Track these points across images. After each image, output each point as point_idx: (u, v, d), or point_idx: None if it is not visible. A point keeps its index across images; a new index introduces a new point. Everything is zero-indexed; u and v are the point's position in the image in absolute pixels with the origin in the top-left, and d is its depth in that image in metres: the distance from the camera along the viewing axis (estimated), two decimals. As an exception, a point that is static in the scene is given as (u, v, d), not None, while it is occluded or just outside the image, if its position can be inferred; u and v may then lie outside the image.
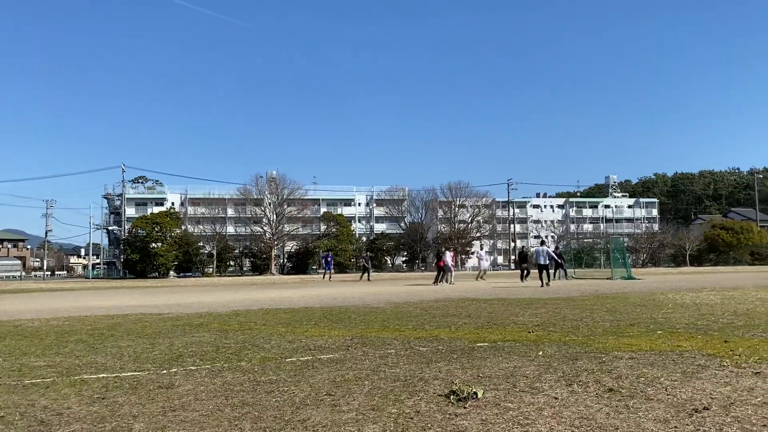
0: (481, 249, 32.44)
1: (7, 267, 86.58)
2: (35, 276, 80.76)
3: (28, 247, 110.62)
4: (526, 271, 26.24)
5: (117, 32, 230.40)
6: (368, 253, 45.05)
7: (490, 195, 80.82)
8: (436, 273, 26.42)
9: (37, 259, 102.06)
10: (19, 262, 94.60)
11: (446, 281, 24.42)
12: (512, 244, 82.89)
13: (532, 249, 29.38)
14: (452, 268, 25.92)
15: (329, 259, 39.54)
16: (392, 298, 16.37)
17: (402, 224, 77.07)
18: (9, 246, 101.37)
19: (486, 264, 31.44)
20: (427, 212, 78.04)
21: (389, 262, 73.63)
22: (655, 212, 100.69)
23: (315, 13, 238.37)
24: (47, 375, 5.68)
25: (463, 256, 74.56)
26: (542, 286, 20.46)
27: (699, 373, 5.04)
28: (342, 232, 69.42)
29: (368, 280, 33.29)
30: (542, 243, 24.73)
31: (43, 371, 5.89)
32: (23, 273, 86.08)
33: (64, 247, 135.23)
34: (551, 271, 27.88)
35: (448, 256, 25.96)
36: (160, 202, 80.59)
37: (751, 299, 13.02)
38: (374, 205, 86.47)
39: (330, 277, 37.41)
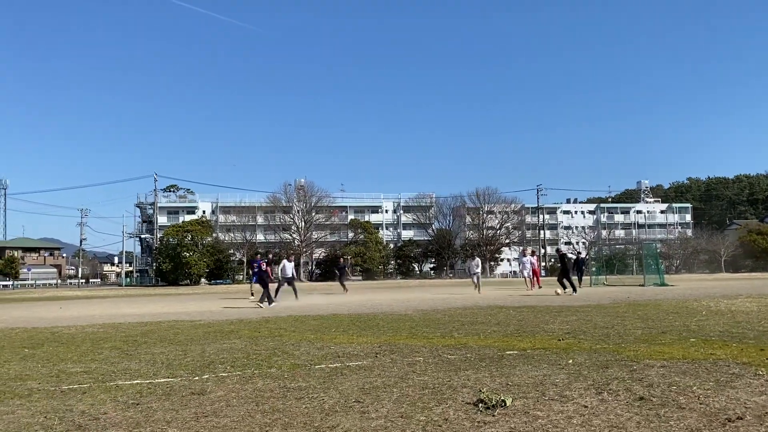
0: (526, 254, 27.41)
1: (44, 275, 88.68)
2: (71, 284, 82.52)
3: (64, 255, 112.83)
4: (580, 277, 27.34)
5: (147, 41, 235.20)
6: (345, 258, 34.31)
7: (519, 201, 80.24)
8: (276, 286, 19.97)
9: (73, 267, 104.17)
10: (55, 270, 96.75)
11: (476, 288, 23.68)
12: (542, 251, 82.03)
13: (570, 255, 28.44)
14: (479, 275, 24.50)
15: (256, 264, 20.81)
16: (420, 305, 16.36)
17: (429, 231, 76.94)
18: (45, 254, 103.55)
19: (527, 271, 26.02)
20: (454, 219, 77.81)
21: (417, 269, 73.55)
22: (688, 217, 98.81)
23: (342, 18, 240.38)
24: (84, 381, 5.82)
25: (492, 263, 74.11)
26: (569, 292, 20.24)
27: (733, 382, 4.95)
28: (369, 239, 69.62)
29: (344, 290, 26.70)
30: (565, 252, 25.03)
31: (79, 377, 6.04)
32: (59, 281, 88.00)
33: (98, 255, 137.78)
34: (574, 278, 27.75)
35: (476, 263, 25.13)
36: (191, 210, 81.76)
37: (789, 306, 12.69)
38: (401, 211, 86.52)
39: (252, 292, 23.66)
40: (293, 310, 15.62)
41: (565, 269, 20.38)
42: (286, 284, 20.66)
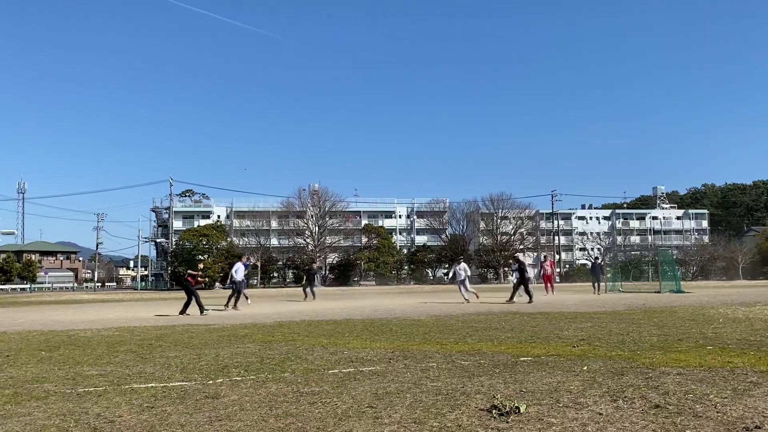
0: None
1: (61, 278, 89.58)
2: (87, 287, 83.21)
3: (80, 259, 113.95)
4: (597, 283, 26.82)
5: (161, 47, 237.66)
6: (315, 264, 31.13)
7: (533, 206, 79.90)
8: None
9: (89, 271, 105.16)
10: (71, 273, 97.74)
11: (465, 295, 21.23)
12: (557, 257, 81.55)
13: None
14: (466, 283, 21.76)
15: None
16: (433, 310, 16.32)
17: (443, 236, 76.76)
18: (62, 258, 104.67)
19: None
20: (468, 224, 77.58)
21: (430, 274, 73.43)
22: (705, 224, 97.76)
23: (356, 25, 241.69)
24: (99, 384, 5.87)
25: (506, 269, 73.73)
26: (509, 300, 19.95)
27: (751, 391, 4.89)
28: (383, 244, 69.68)
29: (306, 297, 25.14)
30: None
31: (95, 380, 6.09)
32: (75, 284, 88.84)
33: (114, 259, 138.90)
34: (596, 284, 27.47)
35: (462, 268, 22.18)
36: (206, 215, 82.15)
37: (808, 314, 12.51)
38: (415, 217, 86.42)
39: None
40: (306, 314, 15.64)
41: (523, 278, 20.26)
42: (231, 288, 19.63)
